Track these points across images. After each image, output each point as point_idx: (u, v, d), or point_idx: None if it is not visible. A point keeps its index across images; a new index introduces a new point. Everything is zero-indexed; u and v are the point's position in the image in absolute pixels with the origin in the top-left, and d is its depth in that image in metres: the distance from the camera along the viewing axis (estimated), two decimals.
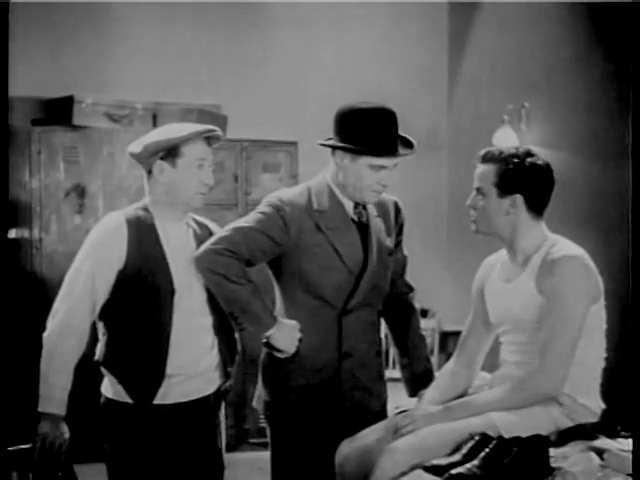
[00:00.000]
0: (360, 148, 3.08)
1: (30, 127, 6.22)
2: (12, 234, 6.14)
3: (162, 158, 3.14)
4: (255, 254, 3.11)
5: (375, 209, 3.25)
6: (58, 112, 6.32)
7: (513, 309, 2.98)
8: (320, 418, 3.16)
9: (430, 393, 3.11)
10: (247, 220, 3.16)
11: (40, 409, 3.04)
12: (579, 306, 2.88)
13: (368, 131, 3.08)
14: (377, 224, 3.24)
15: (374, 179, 3.11)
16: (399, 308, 3.36)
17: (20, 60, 5.95)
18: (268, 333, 3.09)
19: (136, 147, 3.18)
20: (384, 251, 3.23)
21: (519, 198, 2.99)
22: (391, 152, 3.11)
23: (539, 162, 3.00)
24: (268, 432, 3.25)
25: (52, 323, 3.09)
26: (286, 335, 3.11)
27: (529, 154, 3.01)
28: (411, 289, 3.39)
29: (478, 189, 3.04)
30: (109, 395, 3.15)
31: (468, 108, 7.54)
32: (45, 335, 3.09)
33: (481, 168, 3.04)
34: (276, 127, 6.99)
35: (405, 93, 7.37)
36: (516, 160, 2.98)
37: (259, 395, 3.26)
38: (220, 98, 6.81)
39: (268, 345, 3.13)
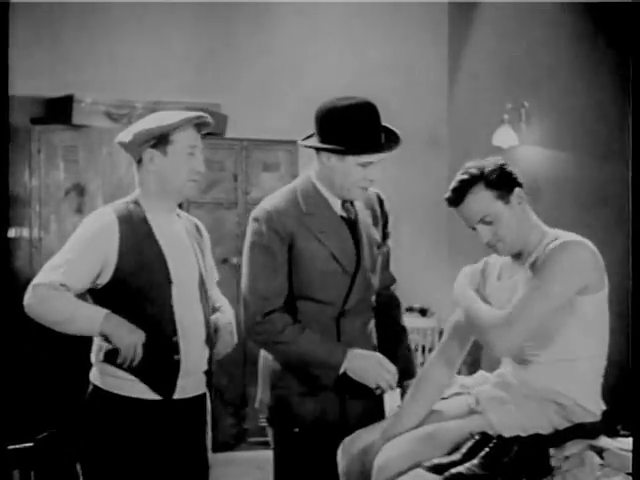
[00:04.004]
0: (347, 148, 3.05)
1: (30, 126, 6.22)
2: (11, 233, 6.14)
3: (152, 146, 3.12)
4: (282, 291, 3.11)
5: (363, 204, 3.24)
6: (58, 111, 6.33)
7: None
8: (320, 419, 3.15)
9: (410, 407, 3.03)
10: (256, 262, 3.12)
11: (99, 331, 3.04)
12: (568, 281, 2.80)
13: (353, 130, 3.04)
14: (365, 218, 3.23)
15: (362, 176, 3.08)
16: (383, 299, 3.35)
17: (20, 59, 5.96)
18: (343, 369, 3.07)
19: (125, 136, 3.16)
20: (374, 245, 3.22)
21: (519, 190, 2.94)
22: (378, 148, 3.08)
23: (501, 160, 2.97)
24: (270, 434, 3.25)
25: (29, 297, 3.04)
26: (364, 366, 3.08)
27: (484, 162, 2.95)
28: (394, 280, 3.39)
29: (483, 220, 2.92)
30: (101, 385, 3.11)
31: (468, 108, 7.54)
32: (28, 304, 3.03)
33: (467, 204, 2.92)
34: (276, 126, 7.00)
35: (405, 93, 7.38)
36: (489, 168, 2.92)
37: (261, 398, 3.25)
38: (220, 97, 6.82)
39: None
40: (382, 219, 3.30)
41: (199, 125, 3.18)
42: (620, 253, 4.33)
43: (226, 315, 3.32)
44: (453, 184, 2.94)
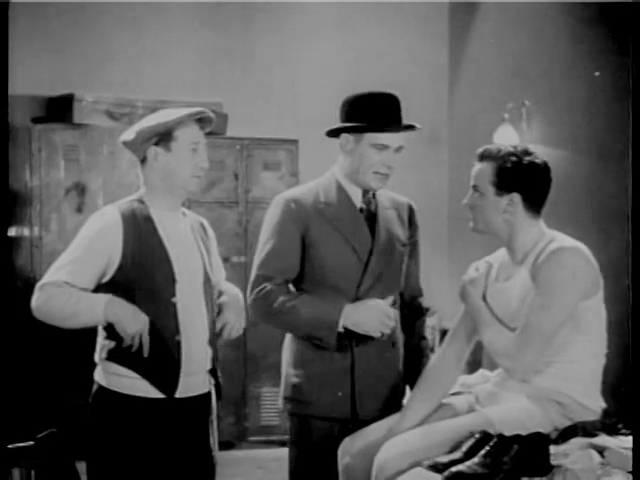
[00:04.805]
0: (361, 124, 3.15)
1: (31, 125, 6.22)
2: (12, 232, 6.14)
3: (156, 143, 3.13)
4: (288, 273, 3.18)
5: (389, 203, 3.30)
6: (59, 110, 6.33)
7: (511, 304, 2.97)
8: (338, 412, 3.18)
9: (415, 405, 3.06)
10: (266, 243, 3.20)
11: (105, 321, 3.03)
12: (569, 295, 2.86)
13: (370, 109, 3.18)
14: (388, 214, 3.28)
15: (377, 159, 3.16)
16: (409, 308, 3.40)
17: (21, 58, 5.97)
18: (341, 325, 3.11)
19: (129, 135, 3.17)
20: (394, 239, 3.26)
21: (517, 197, 2.98)
22: (393, 127, 3.18)
23: (537, 160, 2.99)
24: (290, 428, 3.28)
25: (36, 301, 3.03)
26: (364, 316, 3.12)
27: (527, 152, 3.00)
28: (422, 294, 3.44)
29: (475, 187, 3.03)
30: (105, 384, 3.11)
31: (469, 107, 7.54)
32: (36, 306, 3.03)
33: (478, 166, 3.04)
34: (276, 125, 7.00)
35: (406, 92, 7.33)
36: (514, 158, 2.97)
37: (282, 392, 3.28)
38: (221, 96, 6.81)
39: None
40: (410, 227, 3.35)
41: (201, 121, 3.20)
42: (619, 252, 4.33)
43: (232, 292, 3.32)
44: (492, 145, 3.05)
